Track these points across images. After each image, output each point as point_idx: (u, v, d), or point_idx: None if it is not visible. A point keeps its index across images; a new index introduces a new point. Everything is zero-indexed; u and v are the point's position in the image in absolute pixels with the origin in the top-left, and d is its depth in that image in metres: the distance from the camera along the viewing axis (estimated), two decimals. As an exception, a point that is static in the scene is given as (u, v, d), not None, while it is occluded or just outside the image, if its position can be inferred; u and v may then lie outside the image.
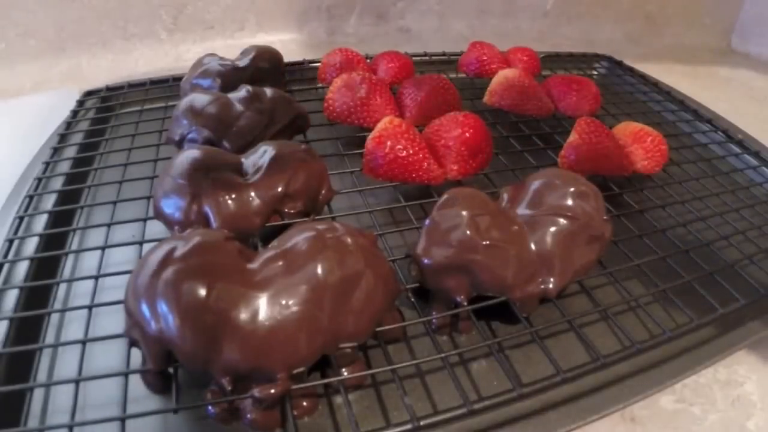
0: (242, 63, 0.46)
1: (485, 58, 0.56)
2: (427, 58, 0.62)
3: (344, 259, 0.25)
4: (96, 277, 0.31)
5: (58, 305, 0.32)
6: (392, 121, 0.38)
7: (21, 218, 0.36)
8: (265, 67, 0.47)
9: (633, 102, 0.60)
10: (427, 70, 0.58)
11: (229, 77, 0.44)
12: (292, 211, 0.33)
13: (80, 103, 0.51)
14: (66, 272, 0.34)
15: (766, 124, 0.58)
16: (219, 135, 0.38)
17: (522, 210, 0.32)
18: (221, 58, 0.47)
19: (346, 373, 0.27)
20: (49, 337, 0.30)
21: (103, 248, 0.33)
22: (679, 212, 0.40)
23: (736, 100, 0.69)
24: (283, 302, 0.24)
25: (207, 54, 0.48)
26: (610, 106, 0.56)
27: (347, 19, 0.75)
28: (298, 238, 0.26)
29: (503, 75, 0.51)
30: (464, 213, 0.29)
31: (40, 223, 0.36)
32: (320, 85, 0.54)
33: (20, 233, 0.35)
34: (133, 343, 0.25)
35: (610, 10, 0.85)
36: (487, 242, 0.28)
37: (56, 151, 0.43)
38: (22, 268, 0.32)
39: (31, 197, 0.38)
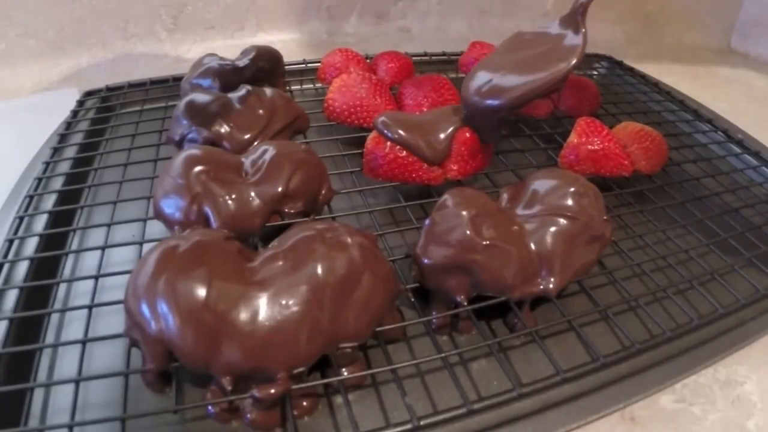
0: (242, 63, 0.46)
1: (485, 58, 0.56)
2: (427, 58, 0.62)
3: (344, 259, 0.25)
4: (96, 277, 0.31)
5: (58, 305, 0.32)
6: (392, 121, 0.38)
7: (21, 218, 0.36)
8: (265, 67, 0.47)
9: (633, 102, 0.60)
10: (427, 70, 0.58)
11: (229, 77, 0.44)
12: (292, 211, 0.33)
13: (80, 103, 0.51)
14: (66, 272, 0.34)
15: (766, 124, 0.58)
16: (219, 135, 0.38)
17: (522, 210, 0.32)
18: (221, 58, 0.47)
19: (346, 373, 0.27)
20: (49, 337, 0.30)
21: (103, 248, 0.33)
22: (679, 212, 0.40)
23: (736, 100, 0.69)
24: (283, 302, 0.24)
25: (207, 54, 0.48)
26: (610, 106, 0.56)
27: (347, 19, 0.75)
28: (298, 238, 0.26)
29: (503, 75, 0.51)
30: (464, 213, 0.29)
31: (40, 223, 0.36)
32: (320, 85, 0.54)
33: (20, 233, 0.35)
34: (133, 343, 0.25)
35: (610, 10, 0.84)
36: (487, 242, 0.28)
37: (56, 151, 0.43)
38: (22, 268, 0.32)
39: (31, 197, 0.38)
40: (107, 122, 0.49)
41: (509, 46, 0.41)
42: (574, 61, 0.35)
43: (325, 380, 0.27)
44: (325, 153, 0.41)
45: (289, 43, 0.71)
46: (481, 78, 0.38)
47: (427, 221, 0.31)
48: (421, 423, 0.25)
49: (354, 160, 0.42)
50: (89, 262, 0.35)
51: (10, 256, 0.33)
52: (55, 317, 0.31)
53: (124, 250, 0.34)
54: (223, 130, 0.38)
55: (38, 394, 0.27)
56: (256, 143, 0.37)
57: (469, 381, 0.29)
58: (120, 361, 0.27)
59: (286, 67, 0.52)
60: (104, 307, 0.29)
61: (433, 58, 0.62)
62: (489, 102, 0.37)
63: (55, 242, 0.36)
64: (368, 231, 0.29)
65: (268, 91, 0.41)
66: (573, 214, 0.30)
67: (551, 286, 0.29)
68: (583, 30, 0.37)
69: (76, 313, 0.31)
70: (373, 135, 0.38)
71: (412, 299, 0.31)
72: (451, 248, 0.29)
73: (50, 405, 0.27)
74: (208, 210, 0.31)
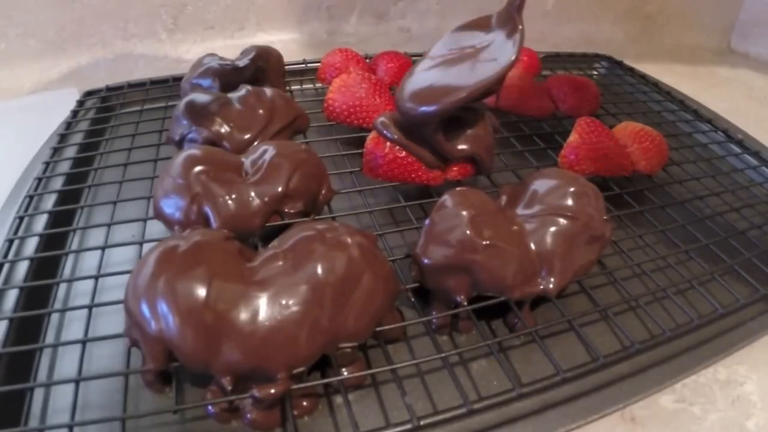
0: (242, 63, 0.46)
1: (485, 58, 0.56)
2: (427, 58, 0.62)
3: (344, 259, 0.25)
4: (96, 277, 0.31)
5: (58, 305, 0.32)
6: (392, 121, 0.38)
7: (21, 218, 0.36)
8: (265, 67, 0.47)
9: (633, 102, 0.60)
10: (427, 70, 0.58)
11: (229, 77, 0.44)
12: (292, 211, 0.33)
13: (80, 103, 0.51)
14: (66, 272, 0.34)
15: (766, 124, 0.58)
16: (219, 135, 0.38)
17: (522, 210, 0.32)
18: (221, 58, 0.47)
19: (346, 373, 0.27)
20: (49, 337, 0.30)
21: (103, 248, 0.33)
22: (679, 212, 0.40)
23: (736, 100, 0.69)
24: (283, 302, 0.24)
25: (207, 54, 0.48)
26: (610, 106, 0.56)
27: (347, 19, 0.75)
28: (298, 238, 0.26)
29: (503, 75, 0.51)
30: (464, 213, 0.29)
31: (40, 223, 0.36)
32: (320, 85, 0.54)
33: (20, 233, 0.35)
34: (133, 343, 0.25)
35: (610, 10, 0.84)
36: (487, 242, 0.28)
37: (56, 151, 0.43)
38: (22, 268, 0.32)
39: (31, 197, 0.38)
40: (107, 122, 0.49)
41: (445, 47, 0.39)
42: (511, 61, 0.33)
43: (325, 380, 0.27)
44: (325, 153, 0.41)
45: (289, 43, 0.71)
46: (415, 83, 0.37)
47: (426, 221, 0.31)
48: (421, 423, 0.25)
49: (354, 160, 0.42)
50: (89, 262, 0.35)
51: (10, 256, 0.33)
52: (55, 317, 0.31)
53: (124, 250, 0.34)
54: (223, 130, 0.38)
55: (38, 394, 0.27)
56: (256, 143, 0.37)
57: (469, 381, 0.29)
58: (120, 361, 0.27)
59: (286, 67, 0.52)
60: (104, 307, 0.29)
61: (433, 58, 0.62)
62: (424, 108, 0.35)
63: (55, 242, 0.36)
64: (368, 231, 0.29)
65: (268, 91, 0.41)
66: (573, 214, 0.30)
67: (551, 286, 0.29)
68: (520, 27, 0.35)
69: (76, 313, 0.31)
70: (372, 135, 0.38)
71: (412, 299, 0.31)
72: (451, 248, 0.29)
73: (50, 405, 0.27)
74: (208, 210, 0.31)
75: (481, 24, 0.39)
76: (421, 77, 0.37)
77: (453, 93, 0.34)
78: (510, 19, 0.36)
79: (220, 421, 0.26)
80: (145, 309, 0.24)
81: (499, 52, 0.35)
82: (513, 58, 0.34)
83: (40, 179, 0.40)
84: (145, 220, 0.35)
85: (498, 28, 0.37)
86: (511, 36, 0.35)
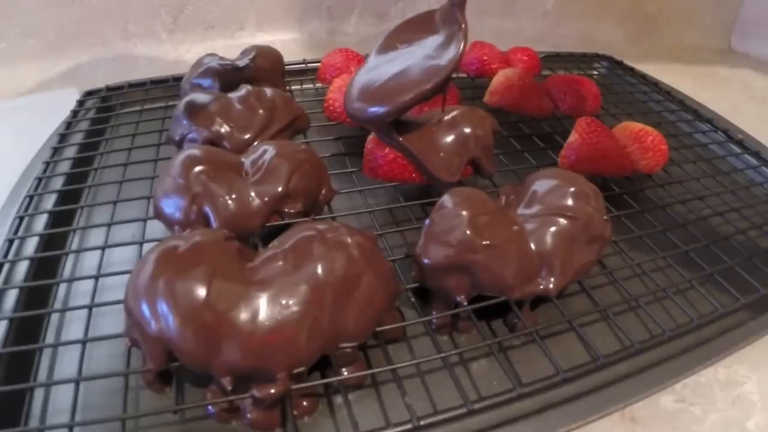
0: (242, 63, 0.46)
1: (485, 58, 0.56)
2: (427, 58, 0.62)
3: (344, 259, 0.25)
4: (96, 277, 0.31)
5: (58, 305, 0.32)
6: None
7: (21, 218, 0.36)
8: (265, 67, 0.47)
9: (633, 102, 0.60)
10: (427, 70, 0.58)
11: (229, 77, 0.44)
12: (292, 211, 0.33)
13: (80, 103, 0.51)
14: (66, 272, 0.34)
15: (766, 124, 0.58)
16: (219, 135, 0.38)
17: (522, 210, 0.32)
18: (221, 58, 0.47)
19: (346, 373, 0.27)
20: (49, 337, 0.30)
21: (103, 248, 0.33)
22: (680, 212, 0.40)
23: (736, 100, 0.69)
24: (284, 302, 0.24)
25: (207, 54, 0.48)
26: (610, 106, 0.56)
27: (347, 19, 0.75)
28: (298, 238, 0.26)
29: (503, 75, 0.51)
30: (464, 213, 0.29)
31: (40, 223, 0.36)
32: (320, 85, 0.54)
33: (20, 233, 0.35)
34: (133, 343, 0.25)
35: (610, 10, 0.84)
36: (487, 242, 0.28)
37: (56, 151, 0.43)
38: (22, 268, 0.32)
39: (31, 197, 0.38)
40: (107, 122, 0.49)
41: (389, 46, 0.39)
42: (455, 60, 0.33)
43: (325, 380, 0.27)
44: (325, 153, 0.41)
45: (289, 43, 0.71)
46: (362, 84, 0.36)
47: (427, 221, 0.31)
48: (421, 423, 0.25)
49: (354, 160, 0.42)
50: (89, 262, 0.35)
51: (10, 256, 0.33)
52: (55, 317, 0.31)
53: (124, 250, 0.34)
54: (223, 130, 0.38)
55: (38, 394, 0.27)
56: (256, 143, 0.37)
57: (469, 381, 0.29)
58: (120, 361, 0.27)
59: (286, 67, 0.52)
60: (104, 307, 0.29)
61: (433, 58, 0.62)
62: (373, 110, 0.34)
63: (55, 242, 0.36)
64: (368, 231, 0.29)
65: (268, 91, 0.41)
66: (573, 214, 0.30)
67: (551, 286, 0.29)
68: (463, 25, 0.35)
69: (76, 313, 0.31)
70: (373, 135, 0.38)
71: (412, 299, 0.31)
72: (451, 248, 0.29)
73: (50, 405, 0.27)
74: (208, 210, 0.31)
75: (424, 20, 0.38)
76: (367, 78, 0.37)
77: (401, 94, 0.34)
78: (453, 17, 0.36)
79: (220, 421, 0.26)
80: (145, 309, 0.24)
81: (443, 51, 0.35)
82: (457, 56, 0.34)
83: (40, 179, 0.40)
84: (145, 220, 0.35)
85: (442, 25, 0.37)
86: (455, 34, 0.35)
